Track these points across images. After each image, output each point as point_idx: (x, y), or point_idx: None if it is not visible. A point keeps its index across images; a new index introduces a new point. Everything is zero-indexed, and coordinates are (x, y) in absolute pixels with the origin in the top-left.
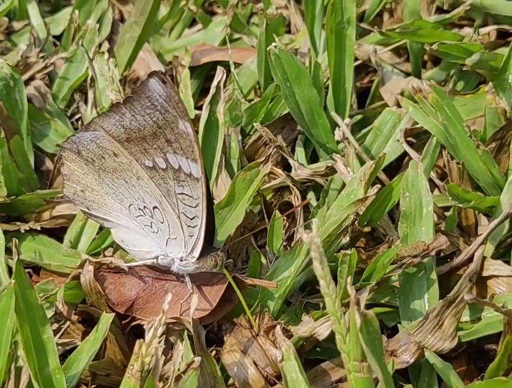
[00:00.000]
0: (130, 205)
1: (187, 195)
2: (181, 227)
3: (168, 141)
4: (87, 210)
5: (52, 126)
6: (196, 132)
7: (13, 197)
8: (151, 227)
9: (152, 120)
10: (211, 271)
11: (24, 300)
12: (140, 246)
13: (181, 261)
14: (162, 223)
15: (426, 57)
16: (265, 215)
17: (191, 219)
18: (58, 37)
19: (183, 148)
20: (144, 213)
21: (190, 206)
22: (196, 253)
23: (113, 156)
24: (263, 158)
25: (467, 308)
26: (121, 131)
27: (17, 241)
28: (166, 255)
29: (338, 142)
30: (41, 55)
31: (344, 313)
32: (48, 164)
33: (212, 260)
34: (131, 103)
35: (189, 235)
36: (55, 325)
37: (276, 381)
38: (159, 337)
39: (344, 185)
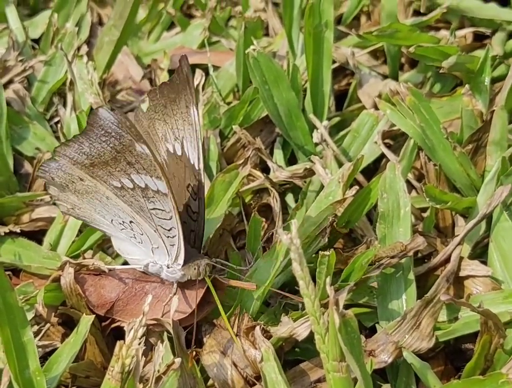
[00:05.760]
0: (112, 220)
1: (159, 209)
2: (161, 238)
3: (130, 163)
4: (86, 223)
5: (31, 129)
6: None
7: None
8: (135, 238)
9: (109, 146)
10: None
11: (4, 303)
12: (133, 254)
13: (168, 268)
14: (142, 235)
15: (403, 60)
16: (244, 217)
17: (169, 230)
18: (37, 41)
19: (145, 168)
20: (125, 227)
21: (165, 219)
22: (181, 260)
23: (80, 180)
24: (242, 161)
25: (444, 308)
26: (84, 158)
27: None
28: (155, 262)
29: (316, 144)
30: (19, 58)
31: (323, 314)
32: (27, 167)
33: (194, 268)
34: (86, 133)
35: (170, 245)
36: (35, 327)
37: (256, 381)
38: (140, 339)
39: (322, 187)
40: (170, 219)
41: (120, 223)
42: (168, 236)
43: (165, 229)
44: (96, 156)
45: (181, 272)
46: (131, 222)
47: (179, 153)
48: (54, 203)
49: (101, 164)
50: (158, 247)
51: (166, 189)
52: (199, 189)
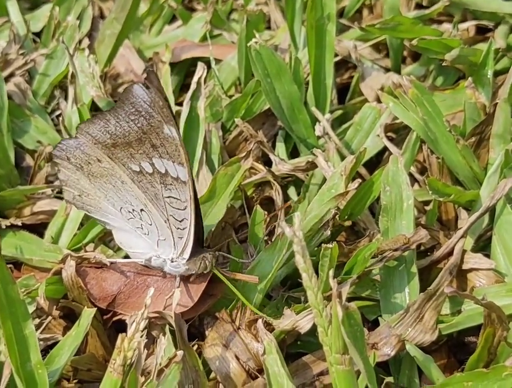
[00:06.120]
0: (121, 208)
1: (175, 198)
2: (170, 229)
3: (154, 146)
4: (88, 214)
5: (32, 122)
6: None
7: None
8: (142, 229)
9: (137, 126)
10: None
11: (6, 296)
12: (136, 247)
13: (172, 262)
14: (150, 225)
15: (405, 53)
16: (246, 210)
17: (180, 221)
18: (38, 34)
19: (169, 152)
20: (134, 216)
21: (178, 209)
22: (187, 255)
23: (98, 161)
24: (244, 154)
25: (447, 301)
26: (107, 137)
27: None
28: (158, 256)
29: (318, 137)
30: (21, 51)
31: (326, 307)
32: (29, 160)
33: (201, 262)
34: (115, 110)
35: (179, 237)
36: (37, 320)
37: (258, 374)
38: (141, 331)
39: (324, 180)
40: (183, 209)
41: (129, 212)
42: (178, 228)
43: (177, 220)
44: (120, 135)
45: (186, 267)
46: (142, 210)
47: None
48: (60, 192)
49: (124, 144)
50: (165, 239)
51: (186, 177)
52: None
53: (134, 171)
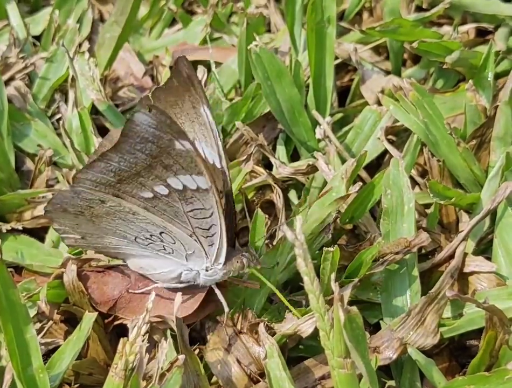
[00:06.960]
0: (136, 237)
1: (198, 209)
2: (198, 240)
3: (167, 166)
4: (96, 250)
5: (32, 126)
6: None
7: None
8: (165, 249)
9: (145, 154)
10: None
11: (7, 300)
12: (161, 267)
13: (207, 271)
14: (174, 243)
15: (405, 55)
16: (247, 214)
17: (208, 229)
18: (38, 38)
19: (184, 167)
20: (153, 240)
21: (204, 218)
22: (222, 259)
23: (101, 203)
24: (244, 157)
25: (449, 304)
26: (110, 176)
27: None
28: (190, 269)
29: (319, 140)
30: (21, 55)
31: (327, 310)
32: (29, 164)
33: (237, 261)
34: (117, 146)
35: (209, 245)
36: (38, 325)
37: (260, 378)
38: (143, 336)
39: (325, 183)
40: (210, 216)
41: (147, 238)
42: (207, 236)
43: (204, 229)
44: (126, 169)
45: (223, 272)
46: (161, 233)
47: None
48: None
49: (131, 177)
50: (193, 252)
51: (207, 184)
52: (224, 186)
53: (147, 199)
